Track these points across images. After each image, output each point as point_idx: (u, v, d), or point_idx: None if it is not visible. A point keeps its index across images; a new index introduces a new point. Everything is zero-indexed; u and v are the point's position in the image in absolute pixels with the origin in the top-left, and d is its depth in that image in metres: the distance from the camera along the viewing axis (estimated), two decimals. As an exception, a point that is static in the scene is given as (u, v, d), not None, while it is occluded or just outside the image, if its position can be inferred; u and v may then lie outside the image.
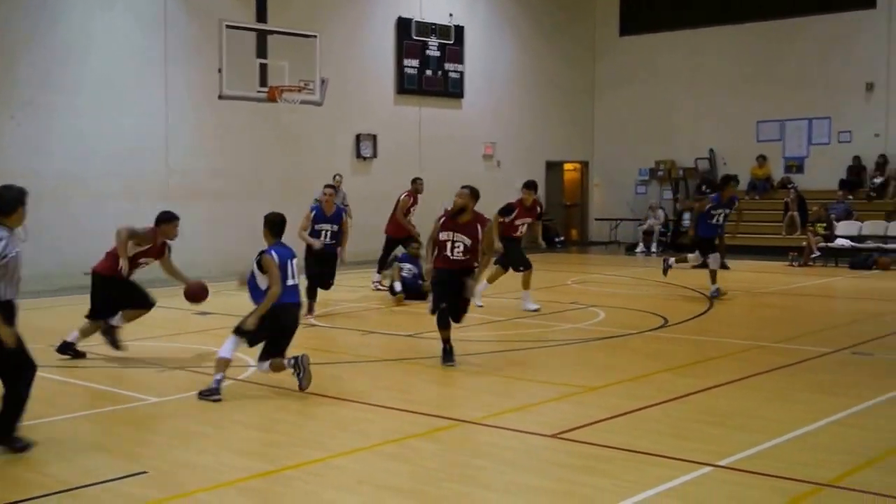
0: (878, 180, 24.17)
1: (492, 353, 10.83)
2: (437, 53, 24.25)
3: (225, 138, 19.88)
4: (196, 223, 19.10)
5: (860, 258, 21.26)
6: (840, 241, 22.15)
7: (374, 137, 22.77)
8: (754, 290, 15.98)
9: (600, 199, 28.94)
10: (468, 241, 9.97)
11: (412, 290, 15.00)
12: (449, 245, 9.99)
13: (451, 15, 24.54)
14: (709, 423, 7.69)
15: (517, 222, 14.15)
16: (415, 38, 23.74)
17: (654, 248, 25.59)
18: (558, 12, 27.85)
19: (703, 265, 15.69)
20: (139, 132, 18.54)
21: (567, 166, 29.00)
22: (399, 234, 16.91)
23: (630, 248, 26.29)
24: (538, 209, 14.55)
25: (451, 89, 24.66)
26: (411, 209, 17.07)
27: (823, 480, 6.17)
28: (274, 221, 8.87)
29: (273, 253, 8.60)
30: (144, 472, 6.37)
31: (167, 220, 10.40)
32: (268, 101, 18.49)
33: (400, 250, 16.66)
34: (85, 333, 10.35)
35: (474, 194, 10.12)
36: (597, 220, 28.98)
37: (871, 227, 22.63)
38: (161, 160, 18.90)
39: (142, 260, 10.27)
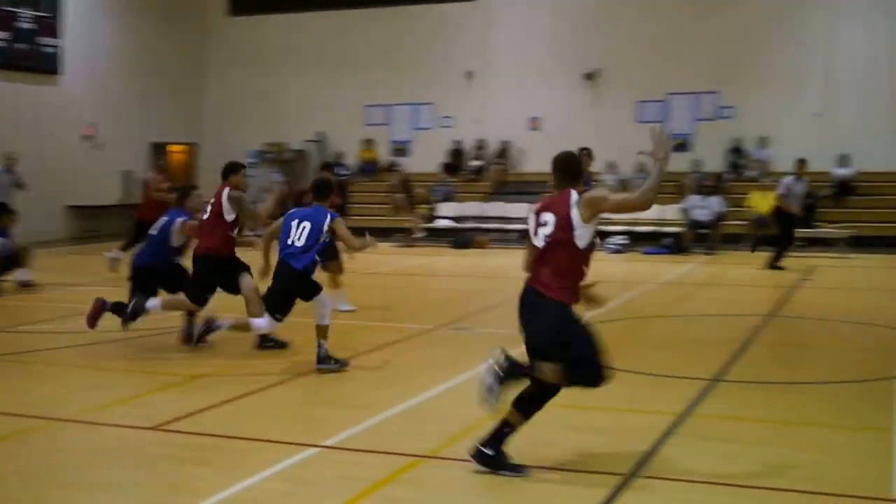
0: (476, 163, 25.68)
1: (91, 345, 10.19)
2: (31, 26, 22.56)
3: None
4: None
5: (461, 237, 22.49)
6: (441, 222, 23.32)
7: (-45, 115, 20.82)
8: (361, 270, 16.29)
9: (210, 182, 28.27)
10: None
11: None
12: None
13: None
14: (312, 405, 7.77)
15: None
16: (3, 7, 21.92)
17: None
18: (164, -11, 26.95)
19: None
20: None
21: (174, 148, 28.14)
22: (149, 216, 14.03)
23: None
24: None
25: (47, 65, 23.08)
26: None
27: (422, 452, 6.40)
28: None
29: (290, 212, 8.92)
30: None
31: (234, 170, 9.35)
32: None
33: None
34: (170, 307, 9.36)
35: None
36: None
37: (471, 207, 24.03)
38: None
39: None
